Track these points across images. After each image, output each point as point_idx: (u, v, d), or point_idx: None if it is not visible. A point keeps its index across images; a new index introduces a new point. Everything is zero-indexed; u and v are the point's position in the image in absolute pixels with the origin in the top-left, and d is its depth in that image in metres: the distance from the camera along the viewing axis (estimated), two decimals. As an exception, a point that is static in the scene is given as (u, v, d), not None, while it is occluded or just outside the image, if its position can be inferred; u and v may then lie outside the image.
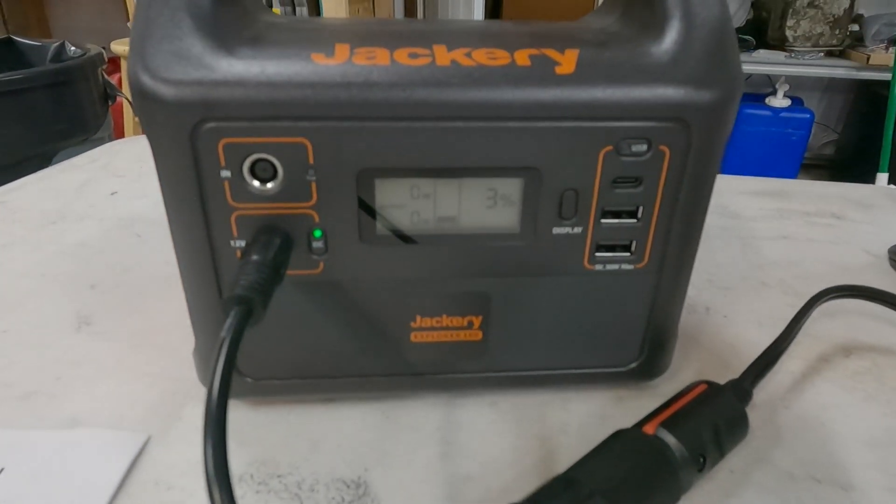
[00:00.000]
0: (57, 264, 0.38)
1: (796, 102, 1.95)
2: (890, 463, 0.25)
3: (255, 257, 0.20)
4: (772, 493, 0.23)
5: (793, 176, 1.92)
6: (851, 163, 2.08)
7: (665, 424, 0.22)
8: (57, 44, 1.23)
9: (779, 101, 1.91)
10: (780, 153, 1.92)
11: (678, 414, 0.23)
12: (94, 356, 0.30)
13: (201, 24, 0.20)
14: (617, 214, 0.23)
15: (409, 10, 2.03)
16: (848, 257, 0.41)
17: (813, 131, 1.98)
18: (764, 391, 0.28)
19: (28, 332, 0.32)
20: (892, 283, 0.38)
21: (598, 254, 0.24)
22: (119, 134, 1.51)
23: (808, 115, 1.92)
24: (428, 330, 0.25)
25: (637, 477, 0.21)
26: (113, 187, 0.51)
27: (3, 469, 0.23)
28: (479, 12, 1.79)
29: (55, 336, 0.32)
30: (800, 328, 0.30)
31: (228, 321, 0.18)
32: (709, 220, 0.24)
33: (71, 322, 0.33)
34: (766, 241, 0.43)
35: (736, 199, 0.51)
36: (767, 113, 1.90)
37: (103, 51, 1.27)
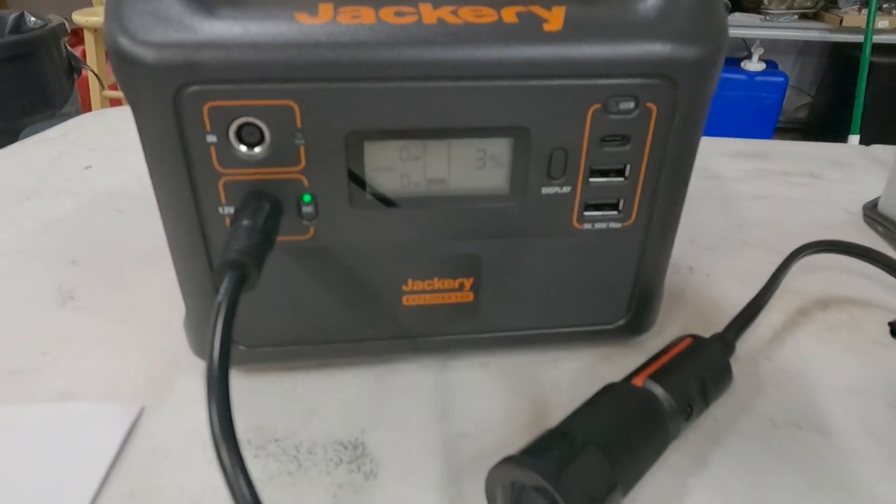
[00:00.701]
0: (36, 240, 0.38)
1: (771, 66, 1.96)
2: (866, 409, 0.26)
3: (245, 222, 0.20)
4: (755, 440, 0.24)
5: (767, 139, 1.94)
6: (824, 126, 2.11)
7: (653, 377, 0.23)
8: (16, 14, 1.18)
9: (754, 64, 1.92)
10: (754, 117, 1.94)
11: (665, 367, 0.24)
12: (81, 331, 0.30)
13: None
14: (605, 173, 0.23)
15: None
16: (825, 215, 0.42)
17: (787, 95, 2.00)
18: (746, 344, 0.29)
19: (11, 309, 0.31)
20: (866, 238, 0.39)
21: (586, 213, 0.24)
22: (86, 108, 1.47)
23: (783, 79, 1.93)
24: (420, 293, 0.25)
25: (628, 427, 0.21)
26: (87, 161, 0.49)
27: (-4, 444, 0.23)
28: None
29: (39, 312, 0.31)
30: (779, 283, 0.31)
31: (224, 285, 0.18)
32: (690, 181, 0.25)
33: (54, 297, 0.32)
34: (746, 200, 0.44)
35: (716, 160, 0.51)
36: (742, 77, 1.91)
37: (65, 21, 1.23)
